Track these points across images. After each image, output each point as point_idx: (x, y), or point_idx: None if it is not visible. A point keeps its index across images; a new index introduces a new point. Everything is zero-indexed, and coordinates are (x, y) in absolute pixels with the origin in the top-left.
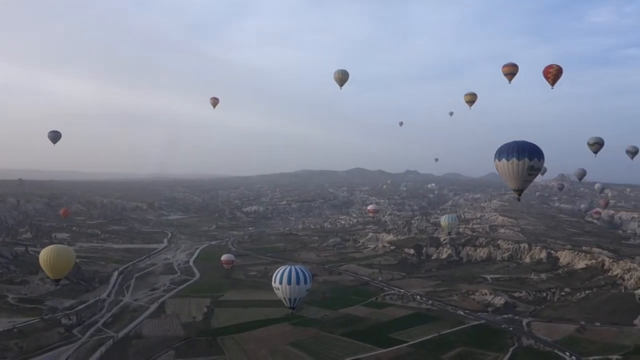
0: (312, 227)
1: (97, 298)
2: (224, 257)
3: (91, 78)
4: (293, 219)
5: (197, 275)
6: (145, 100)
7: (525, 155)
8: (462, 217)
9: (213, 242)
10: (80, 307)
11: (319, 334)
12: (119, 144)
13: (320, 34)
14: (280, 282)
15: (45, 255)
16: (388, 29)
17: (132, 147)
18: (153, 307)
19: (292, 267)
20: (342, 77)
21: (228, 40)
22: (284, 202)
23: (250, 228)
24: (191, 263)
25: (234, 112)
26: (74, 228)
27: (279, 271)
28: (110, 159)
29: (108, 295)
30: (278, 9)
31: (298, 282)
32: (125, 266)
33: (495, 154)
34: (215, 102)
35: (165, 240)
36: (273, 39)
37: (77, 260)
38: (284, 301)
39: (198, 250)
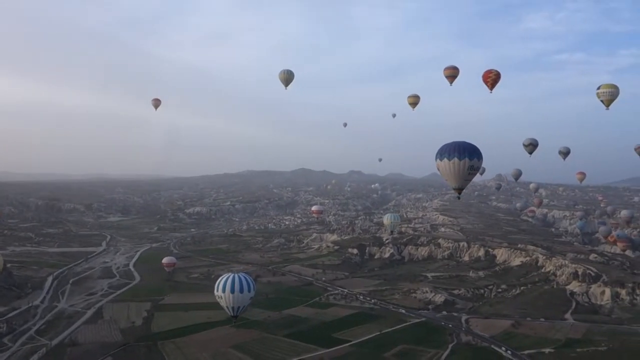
0: (256, 228)
1: (30, 304)
2: (165, 260)
3: (20, 75)
4: (237, 220)
5: (137, 278)
6: (82, 98)
7: (466, 155)
8: (405, 216)
9: (154, 245)
10: (11, 314)
11: (261, 335)
12: (54, 144)
13: (263, 34)
14: (223, 291)
15: None
16: (331, 29)
17: (68, 147)
18: (90, 313)
19: (235, 275)
20: (288, 77)
21: (168, 38)
22: (228, 203)
23: (193, 229)
24: (131, 266)
25: (175, 112)
26: (5, 231)
27: (221, 279)
28: (45, 159)
29: (42, 302)
30: (218, 7)
31: (241, 291)
32: (60, 271)
33: (437, 154)
34: (157, 103)
35: (104, 243)
36: (215, 38)
37: (8, 265)
38: (226, 310)
39: (138, 253)
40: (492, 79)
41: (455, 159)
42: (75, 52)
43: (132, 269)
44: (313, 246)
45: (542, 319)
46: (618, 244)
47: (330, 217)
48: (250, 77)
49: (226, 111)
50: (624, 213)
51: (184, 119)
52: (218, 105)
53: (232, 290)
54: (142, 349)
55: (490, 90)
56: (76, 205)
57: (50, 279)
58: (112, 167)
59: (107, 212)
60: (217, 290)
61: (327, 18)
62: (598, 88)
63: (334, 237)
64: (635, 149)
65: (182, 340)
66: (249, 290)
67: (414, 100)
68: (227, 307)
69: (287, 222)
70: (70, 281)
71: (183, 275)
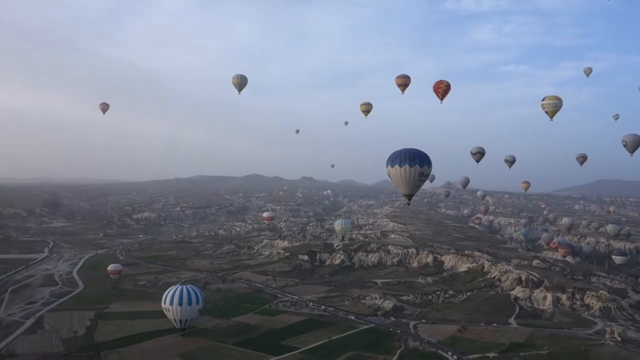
0: (207, 234)
1: None
2: (110, 267)
3: None
4: (187, 225)
5: (81, 286)
6: (25, 99)
7: (416, 162)
8: (356, 223)
9: (100, 251)
10: None
11: (210, 344)
12: None
13: (216, 38)
14: (171, 303)
15: None
16: (284, 35)
17: (10, 149)
18: (29, 322)
19: (183, 287)
20: (241, 82)
21: (117, 40)
22: (178, 209)
23: (141, 236)
24: (74, 274)
25: (125, 115)
26: None
27: (169, 291)
28: None
29: None
30: (169, 9)
31: (190, 303)
32: None
33: (388, 161)
34: (105, 107)
35: (46, 249)
36: (165, 41)
37: None
38: (174, 322)
39: (83, 260)
40: (442, 89)
41: (406, 166)
42: (18, 51)
43: (76, 277)
44: (264, 253)
45: (483, 324)
46: (559, 250)
47: (281, 223)
48: (202, 81)
49: (177, 115)
50: (565, 220)
51: (133, 122)
52: (169, 109)
53: (180, 303)
54: (84, 359)
55: (440, 101)
56: (17, 210)
57: None
58: (57, 171)
59: (50, 218)
60: (165, 303)
61: (281, 23)
62: (543, 99)
63: (285, 243)
64: (577, 158)
65: (126, 350)
66: (197, 303)
67: (367, 108)
68: (175, 319)
69: (238, 228)
70: (9, 289)
71: (129, 282)
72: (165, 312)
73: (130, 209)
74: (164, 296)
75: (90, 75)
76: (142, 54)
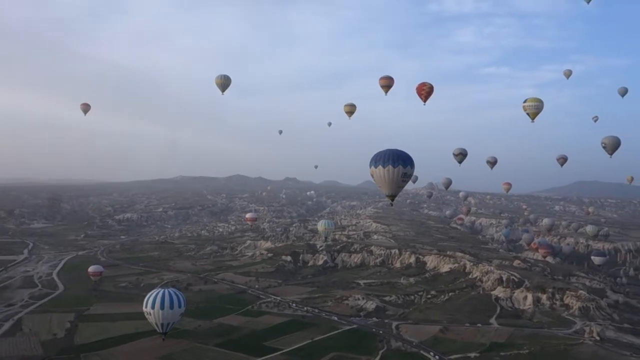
0: (189, 234)
1: None
2: (91, 269)
3: None
4: (169, 226)
5: (61, 288)
6: (4, 98)
7: (399, 162)
8: (339, 223)
9: (81, 252)
10: None
11: (191, 345)
12: None
13: (199, 38)
14: (152, 307)
15: None
16: (268, 35)
17: None
18: (7, 325)
19: (165, 290)
20: (224, 82)
21: (99, 39)
22: (160, 209)
23: (123, 237)
24: (54, 275)
25: (106, 115)
26: None
27: (150, 295)
28: None
29: None
30: (153, 8)
31: (172, 307)
32: None
33: (371, 161)
34: (86, 108)
35: (26, 251)
36: (148, 40)
37: None
38: (155, 327)
39: (63, 262)
40: (425, 91)
41: (390, 167)
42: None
43: (56, 278)
44: (247, 254)
45: (465, 324)
46: (540, 250)
47: (264, 224)
48: (185, 81)
49: (160, 115)
50: (545, 221)
51: (115, 122)
52: (152, 109)
53: (162, 307)
54: None
55: (424, 103)
56: None
57: None
58: (38, 171)
59: (30, 219)
60: (146, 307)
61: (265, 23)
62: (524, 101)
63: (268, 244)
64: (557, 160)
65: (107, 352)
66: (180, 306)
67: (351, 110)
68: (157, 323)
69: (220, 229)
70: None
71: (110, 284)
72: (147, 316)
73: (112, 209)
74: (145, 299)
75: (71, 75)
76: (124, 53)
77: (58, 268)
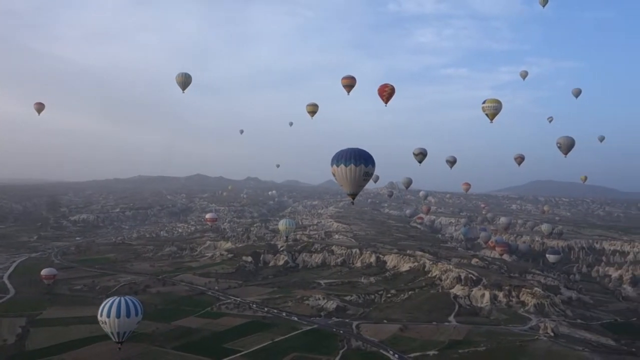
0: (148, 235)
1: None
2: (44, 271)
3: None
4: (127, 227)
5: (12, 292)
6: None
7: (361, 161)
8: (300, 223)
9: (33, 255)
10: None
11: (148, 349)
12: None
13: (157, 35)
14: (108, 316)
15: None
16: (227, 33)
17: None
18: None
19: (122, 298)
20: (185, 81)
21: (50, 34)
22: (118, 210)
23: (78, 238)
24: (5, 278)
25: (60, 113)
26: None
27: (106, 303)
28: None
29: None
30: (108, 3)
31: (128, 315)
32: None
33: (333, 160)
34: (40, 107)
35: None
36: (103, 37)
37: None
38: (111, 336)
39: (15, 264)
40: (387, 92)
41: (352, 165)
42: None
43: (7, 282)
44: (207, 254)
45: (425, 323)
46: (497, 248)
47: (225, 224)
48: (143, 78)
49: (116, 113)
50: (502, 220)
51: (69, 120)
52: (108, 107)
53: (118, 315)
54: None
55: (385, 104)
56: None
57: None
58: None
59: None
60: (101, 315)
61: (225, 21)
62: (483, 102)
63: (229, 244)
64: (515, 159)
65: (60, 358)
66: (137, 314)
67: (313, 109)
68: (112, 332)
69: (180, 230)
70: None
71: (65, 287)
72: (102, 325)
73: (67, 210)
74: (100, 308)
75: (20, 71)
76: (78, 49)
77: (9, 271)
